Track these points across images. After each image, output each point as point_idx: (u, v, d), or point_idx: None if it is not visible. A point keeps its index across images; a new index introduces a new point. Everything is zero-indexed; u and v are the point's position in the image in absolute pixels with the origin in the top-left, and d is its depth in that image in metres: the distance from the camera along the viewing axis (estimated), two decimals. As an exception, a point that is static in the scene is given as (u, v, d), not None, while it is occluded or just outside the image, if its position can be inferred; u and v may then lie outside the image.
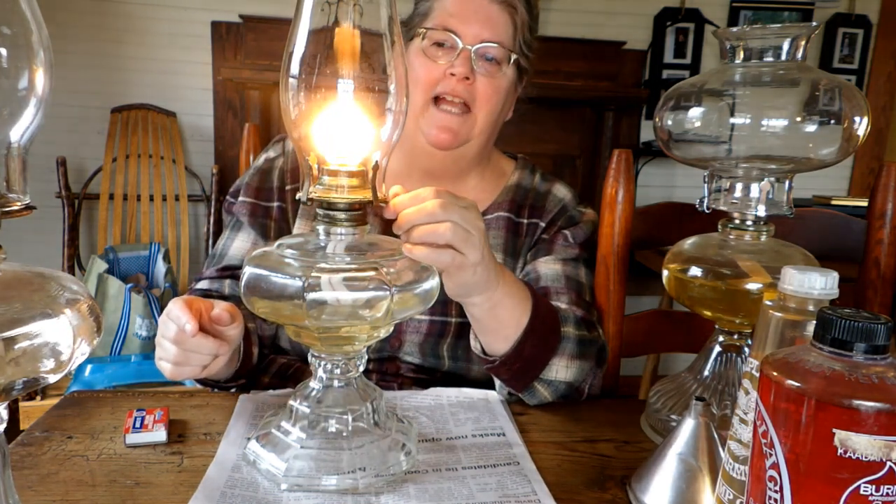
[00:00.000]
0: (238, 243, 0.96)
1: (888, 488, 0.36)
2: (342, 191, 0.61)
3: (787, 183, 0.73)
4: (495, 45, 0.88)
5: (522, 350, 0.76)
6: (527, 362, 0.78)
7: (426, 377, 0.94)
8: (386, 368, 0.94)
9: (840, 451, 0.36)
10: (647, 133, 2.68)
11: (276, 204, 0.97)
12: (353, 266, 0.60)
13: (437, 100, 0.88)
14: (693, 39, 2.66)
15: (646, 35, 2.66)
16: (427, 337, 0.93)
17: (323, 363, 0.66)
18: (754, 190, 0.73)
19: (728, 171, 0.74)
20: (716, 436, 0.61)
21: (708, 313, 0.76)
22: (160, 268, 2.19)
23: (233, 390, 0.88)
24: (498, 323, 0.76)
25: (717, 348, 0.78)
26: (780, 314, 0.49)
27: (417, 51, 0.89)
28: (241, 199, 0.97)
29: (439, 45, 0.89)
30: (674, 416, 0.76)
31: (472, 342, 0.81)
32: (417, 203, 0.64)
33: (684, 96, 0.74)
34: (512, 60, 0.90)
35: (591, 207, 1.02)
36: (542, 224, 0.97)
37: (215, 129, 2.49)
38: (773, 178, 0.72)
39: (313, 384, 0.67)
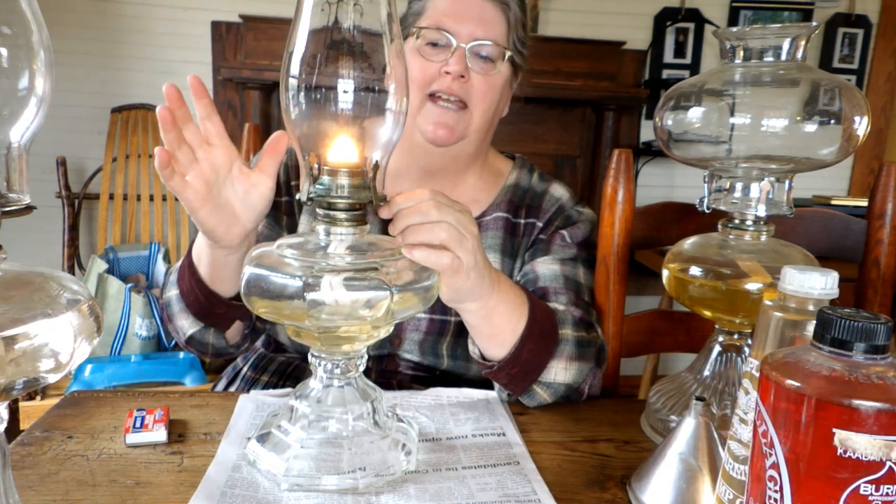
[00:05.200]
0: None
1: (888, 488, 0.36)
2: (342, 191, 0.61)
3: (787, 183, 0.73)
4: (489, 42, 0.88)
5: (520, 355, 0.76)
6: (525, 367, 0.78)
7: (425, 375, 0.94)
8: (385, 366, 0.94)
9: (840, 450, 0.36)
10: (647, 133, 2.68)
11: (284, 199, 0.97)
12: (353, 266, 0.60)
13: (432, 97, 0.89)
14: (693, 39, 2.66)
15: (646, 35, 2.66)
16: (427, 335, 0.93)
17: (323, 363, 0.66)
18: (754, 190, 0.73)
19: (728, 171, 0.74)
20: (716, 436, 0.61)
21: (708, 313, 0.76)
22: (160, 268, 2.19)
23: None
24: (494, 329, 0.76)
25: (717, 348, 0.78)
26: (780, 314, 0.49)
27: (412, 50, 0.89)
28: None
29: (433, 44, 0.89)
30: (674, 416, 0.76)
31: (471, 347, 0.81)
32: (414, 204, 0.64)
33: (684, 96, 0.74)
34: (506, 58, 0.91)
35: (590, 207, 1.02)
36: (540, 224, 0.97)
37: (215, 129, 2.49)
38: (773, 178, 0.72)
39: (313, 384, 0.67)
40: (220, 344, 0.88)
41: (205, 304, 0.82)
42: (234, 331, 0.88)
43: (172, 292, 0.86)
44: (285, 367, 0.95)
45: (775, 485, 0.40)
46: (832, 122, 0.67)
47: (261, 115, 2.35)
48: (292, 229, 0.97)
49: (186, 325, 0.85)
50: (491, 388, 0.86)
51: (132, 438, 0.69)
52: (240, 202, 0.72)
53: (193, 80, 0.69)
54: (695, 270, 0.75)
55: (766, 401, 0.41)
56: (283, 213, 0.97)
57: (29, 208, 0.40)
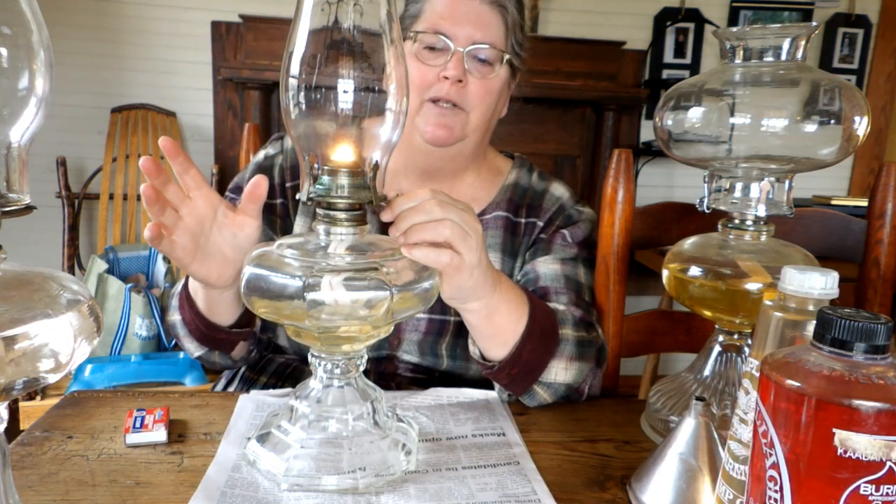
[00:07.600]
0: None
1: (888, 488, 0.36)
2: (342, 191, 0.61)
3: (787, 183, 0.73)
4: (487, 46, 0.88)
5: (520, 355, 0.76)
6: (525, 367, 0.78)
7: (424, 377, 0.94)
8: (384, 368, 0.94)
9: (840, 450, 0.36)
10: (647, 133, 2.68)
11: (279, 201, 0.97)
12: (353, 266, 0.60)
13: (430, 100, 0.88)
14: (693, 39, 2.66)
15: (646, 35, 2.66)
16: (426, 335, 0.93)
17: (323, 363, 0.66)
18: (754, 190, 0.73)
19: (728, 171, 0.74)
20: (716, 436, 0.61)
21: (708, 313, 0.76)
22: (160, 268, 2.19)
23: (238, 363, 0.92)
24: (495, 329, 0.76)
25: (717, 348, 0.78)
26: (780, 314, 0.49)
27: (409, 54, 0.89)
28: None
29: (431, 48, 0.89)
30: (674, 416, 0.76)
31: (471, 347, 0.81)
32: (415, 203, 0.64)
33: (684, 96, 0.74)
34: (504, 61, 0.90)
35: (590, 206, 1.02)
36: (541, 223, 0.97)
37: (215, 129, 2.49)
38: (773, 178, 0.72)
39: (313, 384, 0.67)
40: (227, 362, 0.91)
41: (206, 333, 0.84)
42: (239, 349, 0.90)
43: (176, 317, 0.87)
44: (284, 368, 0.95)
45: (775, 485, 0.40)
46: (832, 122, 0.67)
47: (261, 115, 2.36)
48: (286, 231, 0.97)
49: (192, 348, 0.88)
50: (491, 388, 0.86)
51: (132, 438, 0.69)
52: (229, 246, 0.73)
53: (165, 143, 0.70)
54: (695, 270, 0.75)
55: (766, 401, 0.41)
56: (277, 216, 0.97)
57: (29, 208, 0.40)
